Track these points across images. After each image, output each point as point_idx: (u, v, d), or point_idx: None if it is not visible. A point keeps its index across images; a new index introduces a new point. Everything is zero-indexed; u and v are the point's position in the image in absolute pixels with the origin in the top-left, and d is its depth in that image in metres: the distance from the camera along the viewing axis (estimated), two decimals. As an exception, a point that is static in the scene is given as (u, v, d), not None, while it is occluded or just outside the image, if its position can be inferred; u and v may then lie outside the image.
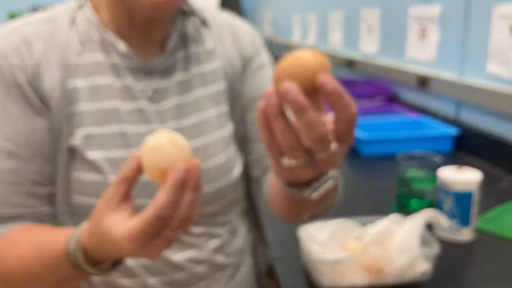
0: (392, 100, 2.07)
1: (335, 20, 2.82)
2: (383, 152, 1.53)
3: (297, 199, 0.57)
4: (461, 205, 0.95)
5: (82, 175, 0.67)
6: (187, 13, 0.80)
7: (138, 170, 0.50)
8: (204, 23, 0.81)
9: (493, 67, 1.41)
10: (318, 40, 3.21)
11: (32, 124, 0.66)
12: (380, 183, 1.31)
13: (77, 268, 0.55)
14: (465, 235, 0.97)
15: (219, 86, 0.78)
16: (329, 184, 0.54)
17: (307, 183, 0.54)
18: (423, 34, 1.80)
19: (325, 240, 0.89)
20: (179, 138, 0.50)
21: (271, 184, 0.77)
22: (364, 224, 0.92)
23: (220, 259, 0.81)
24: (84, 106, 0.68)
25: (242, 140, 0.83)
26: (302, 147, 0.46)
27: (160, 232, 0.48)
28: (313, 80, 0.43)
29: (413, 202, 1.12)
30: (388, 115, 1.85)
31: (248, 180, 0.88)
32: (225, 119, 0.79)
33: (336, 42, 2.83)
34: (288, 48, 3.92)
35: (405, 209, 1.12)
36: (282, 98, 0.43)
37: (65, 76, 0.67)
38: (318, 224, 0.92)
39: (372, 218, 0.91)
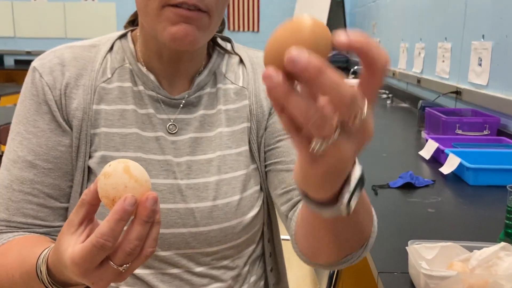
0: (501, 132, 2.04)
1: (443, 49, 2.82)
2: (490, 182, 1.54)
3: (329, 222, 0.52)
4: None
5: None
6: (224, 51, 0.83)
7: (94, 192, 0.49)
8: (241, 61, 0.83)
9: None
10: (424, 68, 3.21)
11: (55, 141, 0.70)
12: (487, 212, 1.33)
13: (44, 285, 0.56)
14: None
15: (243, 125, 0.78)
16: (361, 185, 0.48)
17: (337, 198, 0.46)
18: (539, 67, 1.78)
19: (431, 260, 0.95)
20: (136, 168, 0.48)
21: (298, 216, 0.70)
22: (470, 249, 0.96)
23: None
24: (105, 129, 0.72)
25: (266, 176, 0.80)
26: (330, 119, 0.36)
27: (104, 262, 0.47)
28: (326, 48, 0.37)
29: (521, 234, 1.14)
30: (496, 147, 1.84)
31: (270, 223, 0.86)
32: (245, 159, 0.77)
33: (443, 71, 2.83)
34: (394, 75, 3.93)
35: (512, 240, 1.14)
36: (289, 69, 0.34)
37: (91, 100, 0.72)
38: (425, 244, 0.98)
39: (479, 244, 0.96)
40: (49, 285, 0.55)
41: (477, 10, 2.37)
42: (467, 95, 2.42)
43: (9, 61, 7.70)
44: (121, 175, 0.46)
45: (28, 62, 7.54)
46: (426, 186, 1.55)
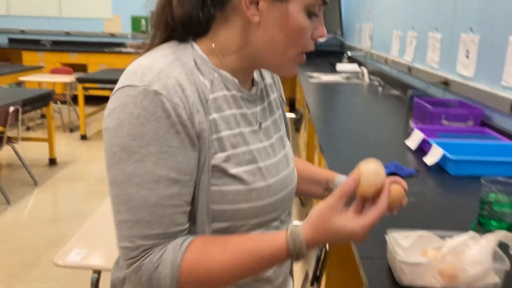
0: (484, 123, 2.14)
1: (434, 39, 2.90)
2: (471, 172, 1.63)
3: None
4: (536, 230, 1.06)
5: (222, 188, 0.80)
6: None
7: (355, 188, 0.77)
8: None
9: None
10: (415, 57, 3.28)
11: (190, 156, 0.76)
12: (465, 201, 1.43)
13: (293, 257, 0.77)
14: (539, 257, 1.07)
15: (279, 111, 1.00)
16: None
17: None
18: (521, 63, 1.86)
19: (408, 247, 1.05)
20: (374, 167, 0.80)
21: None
22: (444, 237, 1.06)
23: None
24: (222, 134, 0.81)
25: None
26: None
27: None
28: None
29: (493, 223, 1.23)
30: (479, 138, 1.94)
31: None
32: (285, 137, 1.01)
33: (433, 61, 2.90)
34: (386, 62, 4.00)
35: (484, 229, 1.24)
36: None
37: (205, 112, 0.78)
38: (403, 233, 1.08)
39: (452, 233, 1.05)
40: (303, 254, 0.76)
41: (466, 2, 2.44)
42: (455, 86, 2.51)
43: (3, 40, 7.67)
44: (382, 171, 0.80)
45: (23, 41, 7.54)
46: (410, 176, 1.64)
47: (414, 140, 2.01)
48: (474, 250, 0.97)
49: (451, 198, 1.46)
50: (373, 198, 0.81)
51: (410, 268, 0.95)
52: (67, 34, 7.63)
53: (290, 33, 0.79)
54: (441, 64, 2.79)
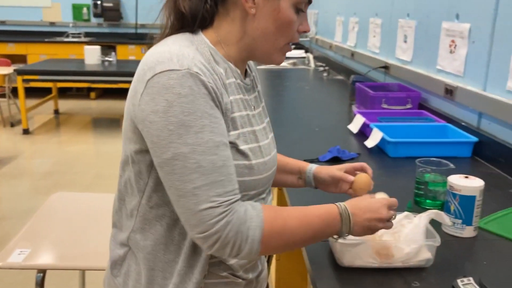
0: (422, 106, 2.23)
1: (374, 25, 2.97)
2: (408, 153, 1.71)
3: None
4: (465, 207, 1.13)
5: (233, 162, 0.89)
6: None
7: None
8: None
9: (512, 84, 1.56)
10: (357, 42, 3.36)
11: (225, 126, 0.88)
12: (403, 182, 1.49)
13: (342, 219, 0.91)
14: (468, 232, 1.15)
15: (263, 103, 1.09)
16: None
17: None
18: (453, 47, 1.95)
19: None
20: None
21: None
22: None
23: None
24: (235, 114, 0.92)
25: None
26: None
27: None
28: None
29: (428, 202, 1.30)
30: (416, 120, 2.02)
31: None
32: (269, 123, 1.10)
33: (374, 46, 2.98)
34: (330, 47, 4.07)
35: (419, 207, 1.30)
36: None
37: (227, 93, 0.90)
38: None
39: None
40: (348, 227, 0.92)
41: (403, -11, 2.51)
42: (395, 70, 2.59)
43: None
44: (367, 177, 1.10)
45: (3, 32, 7.04)
46: (352, 159, 1.70)
47: (355, 124, 2.07)
48: (408, 229, 1.02)
49: (390, 179, 1.53)
50: None
51: (349, 250, 0.99)
52: (3, 23, 7.29)
53: (280, 25, 0.92)
54: (382, 48, 2.87)
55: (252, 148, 0.94)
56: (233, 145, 0.90)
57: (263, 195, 1.01)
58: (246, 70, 1.03)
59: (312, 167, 1.19)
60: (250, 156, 0.92)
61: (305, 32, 0.98)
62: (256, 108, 1.03)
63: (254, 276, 1.03)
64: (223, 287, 0.95)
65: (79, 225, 1.64)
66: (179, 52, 0.85)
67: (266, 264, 1.14)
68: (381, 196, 1.01)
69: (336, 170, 1.16)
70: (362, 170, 1.17)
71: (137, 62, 5.81)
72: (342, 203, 0.93)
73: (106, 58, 5.64)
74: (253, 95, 1.03)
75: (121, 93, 7.22)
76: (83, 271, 1.80)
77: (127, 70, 5.20)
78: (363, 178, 1.10)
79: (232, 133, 0.90)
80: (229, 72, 0.94)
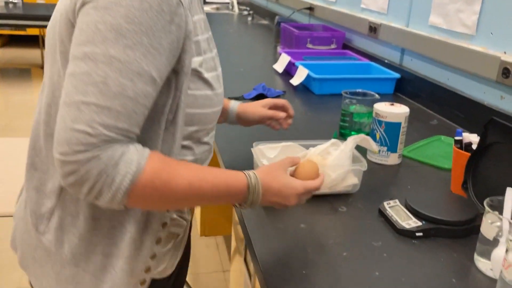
0: (346, 46, 2.21)
1: (299, -35, 2.90)
2: (333, 91, 1.69)
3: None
4: (390, 134, 1.12)
5: (195, 92, 0.79)
6: None
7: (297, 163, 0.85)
8: None
9: (434, 19, 1.56)
10: (282, -16, 3.27)
11: (171, 62, 0.72)
12: (328, 117, 1.47)
13: (249, 195, 0.76)
14: (392, 159, 1.15)
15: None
16: None
17: None
18: (377, -16, 1.93)
19: (273, 158, 1.05)
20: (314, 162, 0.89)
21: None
22: (308, 147, 1.08)
23: None
24: (199, 37, 0.80)
25: None
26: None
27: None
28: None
29: (353, 133, 1.29)
30: (341, 59, 2.00)
31: None
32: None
33: (298, -13, 2.92)
34: (252, -9, 3.94)
35: (345, 139, 1.28)
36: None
37: (191, 12, 0.75)
38: (269, 145, 1.07)
39: (315, 142, 1.07)
40: (257, 197, 0.77)
41: None
42: (319, 11, 2.55)
43: None
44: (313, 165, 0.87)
45: None
46: (277, 96, 1.65)
47: (281, 63, 2.02)
48: (334, 155, 0.99)
49: (315, 114, 1.50)
50: None
51: (275, 177, 0.94)
52: None
53: None
54: (306, -10, 2.81)
55: (213, 76, 0.83)
56: (197, 73, 0.79)
57: (213, 131, 0.93)
58: None
59: (235, 106, 1.11)
60: (213, 86, 0.82)
61: None
62: (208, 32, 0.89)
63: (190, 218, 0.95)
64: (173, 228, 0.84)
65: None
66: None
67: None
68: (307, 167, 0.87)
69: (262, 108, 1.10)
70: (283, 109, 1.12)
71: (46, 6, 5.39)
72: (254, 178, 0.77)
73: (10, 0, 5.14)
74: (204, 16, 0.89)
75: (30, 41, 6.68)
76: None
77: (35, 14, 4.77)
78: (307, 169, 0.88)
79: (196, 59, 0.78)
80: None
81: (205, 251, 2.36)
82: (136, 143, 0.70)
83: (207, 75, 0.81)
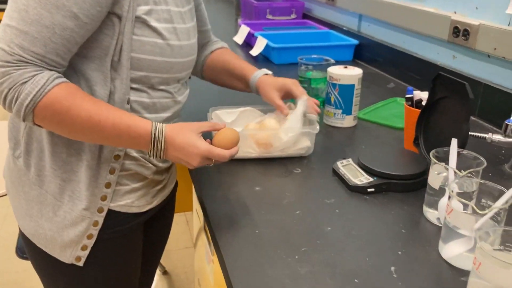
0: (306, 16, 2.21)
1: None
2: (292, 60, 1.68)
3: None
4: (344, 96, 1.13)
5: (141, 38, 0.83)
6: None
7: (213, 129, 0.84)
8: None
9: (388, -18, 1.57)
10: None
11: (98, 1, 0.76)
12: (286, 85, 1.47)
13: (151, 145, 0.79)
14: (348, 122, 1.16)
15: (191, 4, 0.97)
16: None
17: None
18: (333, -49, 1.92)
19: (231, 123, 1.05)
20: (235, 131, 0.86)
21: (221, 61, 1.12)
22: (266, 112, 1.08)
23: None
24: None
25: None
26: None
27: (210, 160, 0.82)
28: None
29: (310, 99, 1.29)
30: (301, 28, 2.00)
31: None
32: (193, 11, 1.00)
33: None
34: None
35: (303, 104, 1.29)
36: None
37: None
38: (227, 109, 1.07)
39: (271, 107, 1.07)
40: (161, 149, 0.80)
41: None
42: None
43: None
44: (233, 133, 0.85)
45: None
46: (236, 67, 1.64)
47: (240, 35, 2.00)
48: (289, 119, 0.99)
49: (275, 83, 1.49)
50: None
51: (229, 142, 0.94)
52: None
53: None
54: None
55: (165, 27, 0.86)
56: (143, 21, 0.83)
57: (177, 84, 0.93)
58: None
59: (256, 78, 1.08)
60: (163, 35, 0.85)
61: None
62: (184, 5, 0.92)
63: (165, 166, 0.96)
64: (133, 167, 0.89)
65: None
66: None
67: None
68: (227, 135, 0.85)
69: (274, 93, 1.05)
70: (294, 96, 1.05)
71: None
72: (160, 129, 0.80)
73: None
74: None
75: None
76: None
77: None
78: (225, 137, 0.85)
79: (141, 7, 0.82)
80: None
81: (175, 228, 2.35)
82: (57, 73, 0.77)
83: (156, 24, 0.84)
